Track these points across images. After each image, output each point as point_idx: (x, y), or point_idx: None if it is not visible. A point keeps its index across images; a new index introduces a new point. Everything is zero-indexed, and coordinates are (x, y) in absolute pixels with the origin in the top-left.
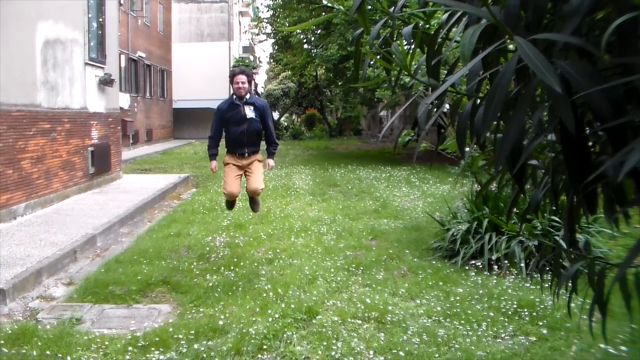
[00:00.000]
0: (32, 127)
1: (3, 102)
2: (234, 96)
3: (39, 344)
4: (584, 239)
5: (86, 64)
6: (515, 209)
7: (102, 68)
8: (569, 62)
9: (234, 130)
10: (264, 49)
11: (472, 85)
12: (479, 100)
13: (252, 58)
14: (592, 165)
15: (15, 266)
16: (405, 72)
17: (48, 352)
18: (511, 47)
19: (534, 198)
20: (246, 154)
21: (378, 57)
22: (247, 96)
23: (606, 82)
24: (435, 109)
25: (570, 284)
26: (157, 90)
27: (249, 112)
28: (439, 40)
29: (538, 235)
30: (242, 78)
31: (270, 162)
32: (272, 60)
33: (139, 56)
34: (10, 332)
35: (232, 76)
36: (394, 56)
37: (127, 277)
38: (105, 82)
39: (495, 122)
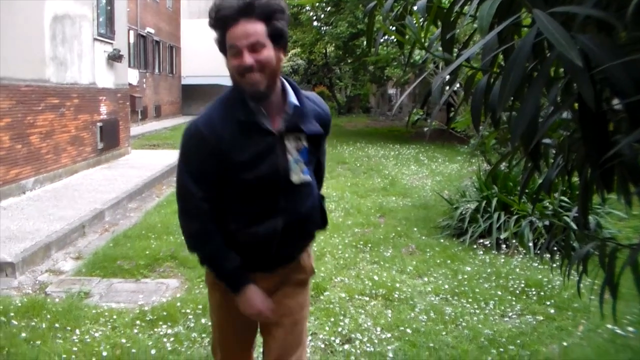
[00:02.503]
0: (41, 102)
1: (12, 77)
2: (245, 101)
3: (48, 316)
4: (595, 220)
5: (95, 39)
6: (525, 190)
7: (111, 44)
8: (588, 36)
9: (254, 214)
10: None
11: (487, 60)
12: (493, 77)
13: None
14: (609, 143)
15: (24, 240)
16: (419, 46)
17: (57, 325)
18: (525, 22)
19: (547, 177)
20: (276, 267)
21: (392, 29)
22: (290, 97)
23: (626, 57)
24: (448, 85)
25: (580, 265)
26: (166, 66)
27: (297, 157)
28: (454, 14)
29: (549, 215)
30: (252, 32)
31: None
32: None
33: (148, 32)
34: (20, 305)
35: (220, 27)
36: (407, 30)
37: (135, 252)
38: (114, 58)
39: (510, 99)
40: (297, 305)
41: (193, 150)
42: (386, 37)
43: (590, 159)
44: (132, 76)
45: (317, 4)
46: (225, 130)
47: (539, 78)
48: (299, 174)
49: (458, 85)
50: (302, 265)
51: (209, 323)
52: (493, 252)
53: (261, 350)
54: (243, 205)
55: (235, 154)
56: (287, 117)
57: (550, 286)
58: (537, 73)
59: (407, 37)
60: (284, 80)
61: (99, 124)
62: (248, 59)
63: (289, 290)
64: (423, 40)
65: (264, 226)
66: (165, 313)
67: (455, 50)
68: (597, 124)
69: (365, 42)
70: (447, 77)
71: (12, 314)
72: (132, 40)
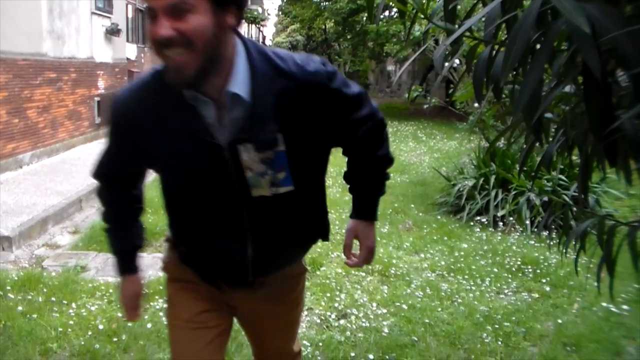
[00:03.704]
0: (38, 76)
1: (9, 51)
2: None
3: (45, 290)
4: (594, 198)
5: (92, 13)
6: (525, 163)
7: (109, 18)
8: (594, 5)
9: (207, 230)
10: (273, 1)
11: (490, 31)
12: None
13: (260, 10)
14: (613, 116)
15: (21, 214)
16: (422, 15)
17: (53, 299)
18: None
19: (547, 152)
20: (247, 281)
21: None
22: (234, 77)
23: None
24: (450, 56)
25: (578, 242)
26: None
27: (264, 170)
28: None
29: (548, 192)
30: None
31: (368, 242)
32: (280, 13)
33: None
34: (16, 278)
35: None
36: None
37: None
38: (112, 32)
39: (513, 71)
40: (286, 323)
41: (111, 127)
42: (387, 12)
43: (594, 131)
44: (130, 51)
45: None
46: (145, 120)
47: (543, 49)
48: (267, 188)
49: (457, 61)
50: (292, 274)
51: None
52: (490, 229)
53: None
54: (189, 214)
55: (159, 160)
56: (231, 116)
57: (546, 264)
58: (540, 45)
59: (408, 5)
60: (240, 46)
61: (96, 99)
62: (164, 28)
63: (274, 310)
64: (426, 10)
65: (222, 250)
66: (161, 287)
67: (458, 23)
68: (602, 95)
69: (364, 18)
70: (449, 48)
71: (8, 288)
72: (130, 15)
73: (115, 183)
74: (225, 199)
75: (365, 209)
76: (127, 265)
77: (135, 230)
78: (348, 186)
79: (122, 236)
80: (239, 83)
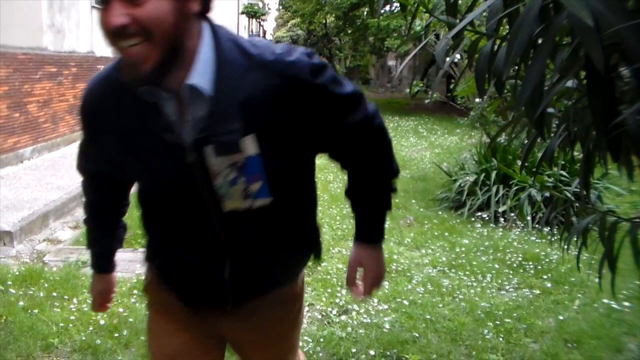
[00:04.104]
0: (39, 70)
1: (9, 45)
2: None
3: (46, 285)
4: (596, 194)
5: (93, 7)
6: (527, 158)
7: None
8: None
9: (170, 214)
10: None
11: (492, 25)
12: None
13: (260, 4)
14: (616, 111)
15: (22, 209)
16: (423, 9)
17: (55, 294)
18: None
19: (549, 147)
20: (227, 304)
21: None
22: (196, 66)
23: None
24: (452, 50)
25: (580, 238)
26: None
27: (235, 177)
28: None
29: (549, 188)
30: None
31: (374, 272)
32: (281, 7)
33: None
34: (17, 273)
35: None
36: None
37: (133, 221)
38: None
39: (515, 66)
40: (282, 349)
41: (80, 120)
42: (388, 6)
43: (597, 126)
44: None
45: None
46: (106, 116)
47: (546, 42)
48: (241, 200)
49: (459, 56)
50: (284, 298)
51: None
52: (491, 225)
53: None
54: (161, 226)
55: (123, 163)
56: (193, 113)
57: (547, 260)
58: (542, 39)
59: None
60: (207, 34)
61: None
62: (117, 15)
63: (266, 338)
64: (427, 2)
65: (197, 268)
66: None
67: (459, 17)
68: (605, 90)
69: (365, 13)
70: (451, 42)
71: (10, 283)
72: None
73: (97, 180)
74: (195, 210)
75: (368, 229)
76: (102, 266)
77: (116, 233)
78: (349, 203)
79: (101, 237)
80: (200, 74)
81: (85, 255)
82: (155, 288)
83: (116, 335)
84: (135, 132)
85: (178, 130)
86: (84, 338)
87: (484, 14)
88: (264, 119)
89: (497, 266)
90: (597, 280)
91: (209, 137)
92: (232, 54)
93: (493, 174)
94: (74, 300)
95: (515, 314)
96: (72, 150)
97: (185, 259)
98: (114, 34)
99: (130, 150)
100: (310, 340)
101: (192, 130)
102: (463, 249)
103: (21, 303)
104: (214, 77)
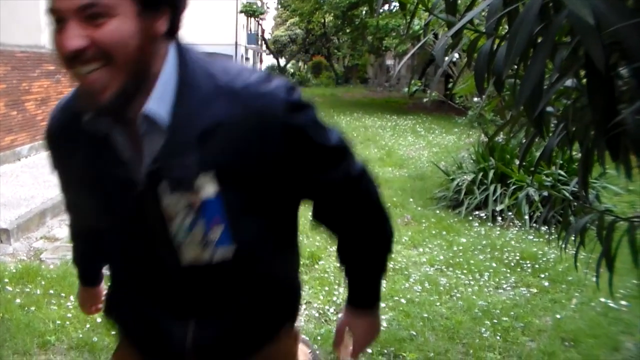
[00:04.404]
0: (36, 68)
1: (6, 43)
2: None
3: (43, 282)
4: (594, 193)
5: None
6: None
7: None
8: None
9: (127, 264)
10: None
11: (492, 23)
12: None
13: (259, 3)
14: (615, 110)
15: (19, 207)
16: (422, 7)
17: (51, 291)
18: None
19: (548, 146)
20: None
21: None
22: (154, 94)
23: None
24: (451, 49)
25: (578, 237)
26: None
27: (193, 219)
28: None
29: (548, 187)
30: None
31: (363, 339)
32: (280, 6)
33: None
34: (14, 271)
35: None
36: None
37: None
38: None
39: (514, 65)
40: None
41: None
42: (387, 6)
43: (596, 125)
44: None
45: None
46: (63, 146)
47: (545, 41)
48: (200, 249)
49: (457, 56)
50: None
51: None
52: (488, 224)
53: None
54: (121, 276)
55: (76, 200)
56: (150, 145)
57: (545, 259)
58: (542, 38)
59: None
60: (172, 56)
61: None
62: (74, 37)
63: None
64: (426, 1)
65: (156, 329)
66: None
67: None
68: (605, 89)
69: (364, 12)
70: (450, 40)
71: (6, 280)
72: None
73: (77, 219)
74: (152, 259)
75: (361, 295)
76: (88, 280)
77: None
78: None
79: (87, 257)
80: (158, 100)
81: None
82: (122, 345)
83: (113, 332)
84: (87, 168)
85: (132, 165)
86: (80, 335)
87: (484, 12)
88: (225, 155)
89: (494, 265)
90: (594, 279)
91: (163, 172)
92: (197, 79)
93: (491, 173)
94: (71, 297)
95: (512, 313)
96: None
97: (145, 315)
98: (70, 59)
99: (82, 188)
100: (308, 339)
101: (145, 166)
102: (460, 247)
103: (18, 300)
104: (173, 103)
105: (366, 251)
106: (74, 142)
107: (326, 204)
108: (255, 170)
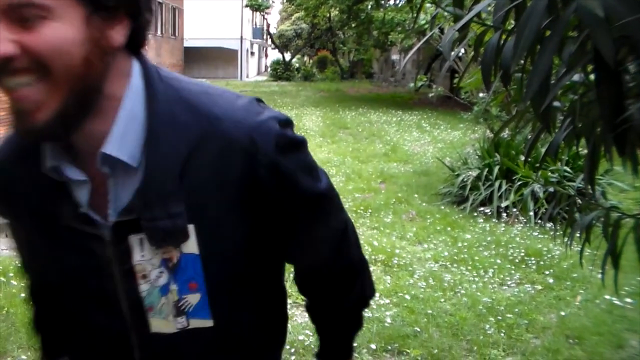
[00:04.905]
0: None
1: None
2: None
3: None
4: (599, 190)
5: None
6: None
7: None
8: None
9: (81, 334)
10: None
11: (499, 17)
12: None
13: None
14: (623, 106)
15: None
16: (429, 0)
17: None
18: None
19: (554, 141)
20: None
21: None
22: (115, 129)
23: None
24: (458, 42)
25: (583, 234)
26: (169, 28)
27: (167, 280)
28: None
29: (553, 183)
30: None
31: None
32: (285, 0)
33: None
34: (19, 265)
35: None
36: None
37: None
38: None
39: (522, 60)
40: None
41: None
42: (392, 0)
43: (604, 120)
44: None
45: None
46: (8, 194)
47: (553, 35)
48: (172, 317)
49: (463, 50)
50: None
51: None
52: (493, 220)
53: None
54: (73, 348)
55: (25, 256)
56: (116, 190)
57: (549, 256)
58: (550, 32)
59: None
60: (136, 77)
61: None
62: (1, 41)
63: None
64: None
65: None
66: None
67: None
68: (614, 84)
69: (369, 6)
70: (458, 33)
71: (11, 274)
72: None
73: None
74: (110, 327)
75: (333, 351)
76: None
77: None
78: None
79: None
80: (121, 138)
81: None
82: None
83: None
84: (39, 217)
85: (94, 214)
86: None
87: (491, 6)
88: (205, 202)
89: (499, 261)
90: (599, 276)
91: (136, 224)
92: (170, 106)
93: (496, 169)
94: None
95: (517, 310)
96: None
97: None
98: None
99: (32, 240)
100: (311, 334)
101: (113, 214)
102: (465, 243)
103: (22, 295)
104: (144, 139)
105: (343, 313)
106: (21, 182)
107: (303, 264)
108: (240, 221)
